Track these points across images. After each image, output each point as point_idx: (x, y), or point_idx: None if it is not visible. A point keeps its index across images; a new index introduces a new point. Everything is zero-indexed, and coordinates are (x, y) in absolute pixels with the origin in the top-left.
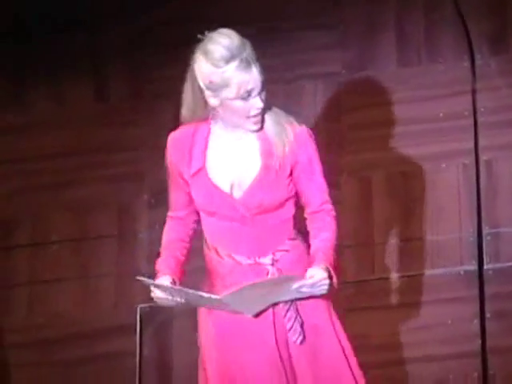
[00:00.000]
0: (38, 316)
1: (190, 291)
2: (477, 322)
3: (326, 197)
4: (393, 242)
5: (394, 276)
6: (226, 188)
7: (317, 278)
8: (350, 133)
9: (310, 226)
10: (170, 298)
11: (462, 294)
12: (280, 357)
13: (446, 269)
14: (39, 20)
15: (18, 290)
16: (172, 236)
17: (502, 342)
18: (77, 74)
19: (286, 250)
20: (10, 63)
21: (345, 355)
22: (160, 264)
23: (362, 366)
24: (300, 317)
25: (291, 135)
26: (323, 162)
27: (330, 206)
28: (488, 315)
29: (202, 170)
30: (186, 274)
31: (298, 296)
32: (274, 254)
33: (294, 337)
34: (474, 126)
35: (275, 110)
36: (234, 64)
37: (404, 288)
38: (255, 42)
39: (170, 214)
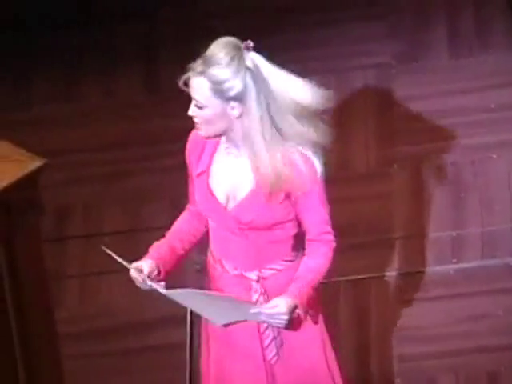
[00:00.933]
0: (89, 307)
1: (148, 283)
2: None
3: (327, 228)
4: (444, 233)
5: (445, 267)
6: (220, 197)
7: (276, 310)
8: (401, 124)
9: (306, 252)
10: (142, 281)
11: None
12: (265, 370)
13: (498, 259)
14: (95, 10)
15: (70, 281)
16: (181, 226)
17: None
18: (128, 64)
19: (278, 270)
20: (64, 54)
21: (331, 376)
22: (153, 247)
23: (414, 357)
24: (279, 336)
25: (292, 163)
26: (374, 152)
27: (329, 237)
28: None
29: (204, 173)
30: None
31: (260, 321)
32: (260, 271)
33: (269, 356)
34: None
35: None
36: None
37: (455, 279)
38: (309, 31)
39: (188, 206)
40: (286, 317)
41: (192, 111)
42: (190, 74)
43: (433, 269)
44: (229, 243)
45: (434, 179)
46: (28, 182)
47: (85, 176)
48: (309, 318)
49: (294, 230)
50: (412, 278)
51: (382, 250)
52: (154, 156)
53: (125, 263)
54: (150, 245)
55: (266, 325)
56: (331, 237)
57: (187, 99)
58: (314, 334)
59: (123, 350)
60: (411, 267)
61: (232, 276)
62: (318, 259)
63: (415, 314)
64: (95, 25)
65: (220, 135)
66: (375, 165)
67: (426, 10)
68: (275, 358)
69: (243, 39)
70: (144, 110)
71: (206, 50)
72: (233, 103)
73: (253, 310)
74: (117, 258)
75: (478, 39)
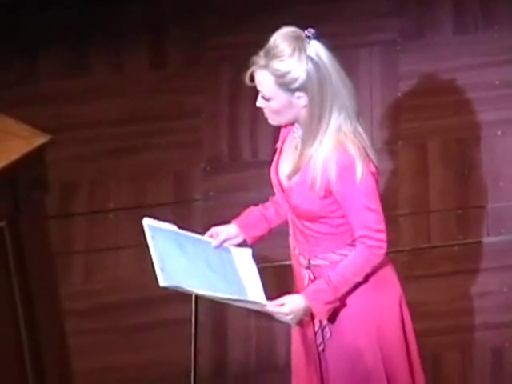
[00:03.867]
0: (95, 283)
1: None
2: None
3: (367, 232)
4: (449, 209)
5: (450, 244)
6: (282, 175)
7: (279, 309)
8: (406, 100)
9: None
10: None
11: None
12: (317, 351)
13: (503, 236)
14: None
15: (76, 258)
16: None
17: None
18: (135, 41)
19: (330, 261)
20: (71, 30)
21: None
22: (245, 212)
23: (419, 333)
24: (327, 327)
25: (332, 166)
26: (379, 129)
27: (370, 242)
28: None
29: (277, 150)
30: None
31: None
32: (311, 258)
33: (317, 343)
34: None
35: (337, 131)
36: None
37: (460, 256)
38: (317, 6)
39: None
40: (288, 317)
41: (260, 103)
42: (253, 68)
43: (438, 245)
44: (291, 223)
45: (439, 156)
46: (34, 159)
47: (90, 152)
48: (360, 310)
49: (344, 227)
50: (417, 255)
51: (387, 227)
52: (160, 132)
53: (173, 227)
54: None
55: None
56: (372, 242)
57: (193, 75)
58: (365, 324)
59: (128, 326)
60: (416, 244)
61: (296, 254)
62: (352, 260)
63: (420, 290)
64: (102, 0)
65: (290, 123)
66: (380, 142)
67: None
68: (322, 346)
69: (251, 14)
70: (150, 86)
71: (213, 27)
72: (298, 93)
73: (257, 306)
74: (164, 224)
75: (483, 16)
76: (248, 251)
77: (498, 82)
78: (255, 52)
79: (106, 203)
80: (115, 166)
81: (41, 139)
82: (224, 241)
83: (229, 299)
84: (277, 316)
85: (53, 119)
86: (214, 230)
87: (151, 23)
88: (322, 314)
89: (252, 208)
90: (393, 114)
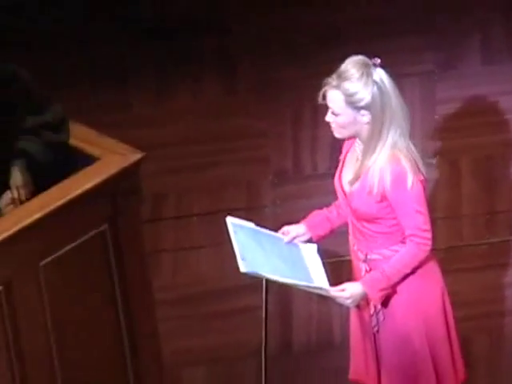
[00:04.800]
0: (180, 277)
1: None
2: None
3: (416, 232)
4: (478, 213)
5: (479, 243)
6: (344, 182)
7: (341, 294)
8: (442, 122)
9: None
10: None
11: None
12: (372, 332)
13: None
14: (180, 22)
15: (165, 256)
16: (338, 203)
17: None
18: (211, 70)
19: (384, 256)
20: (158, 63)
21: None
22: (311, 214)
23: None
24: (381, 311)
25: (388, 175)
26: (419, 146)
27: (418, 240)
28: None
29: (340, 161)
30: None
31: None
32: (367, 253)
33: (372, 324)
34: None
35: (396, 143)
36: None
37: (488, 252)
38: (366, 44)
39: None
40: (348, 301)
41: (329, 117)
42: (326, 87)
43: (469, 244)
44: (351, 224)
45: (470, 170)
46: (130, 172)
47: (176, 167)
48: (409, 297)
49: (396, 227)
50: (451, 252)
51: None
52: (233, 149)
53: (252, 225)
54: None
55: (378, 317)
56: (420, 240)
57: (261, 101)
58: (413, 309)
59: (208, 313)
60: (451, 243)
61: (355, 250)
62: (401, 254)
63: (454, 282)
64: (183, 38)
65: (352, 137)
66: (421, 157)
67: (460, 26)
68: (376, 328)
69: (310, 50)
70: (224, 109)
71: (279, 59)
72: (363, 111)
73: (322, 291)
74: (244, 221)
75: (508, 47)
76: (314, 246)
77: None
78: (313, 81)
79: (189, 209)
80: (197, 178)
81: (136, 156)
82: (294, 238)
83: (297, 285)
84: (338, 300)
85: (144, 139)
86: (285, 228)
87: (225, 55)
88: (376, 300)
89: (318, 211)
90: (431, 133)
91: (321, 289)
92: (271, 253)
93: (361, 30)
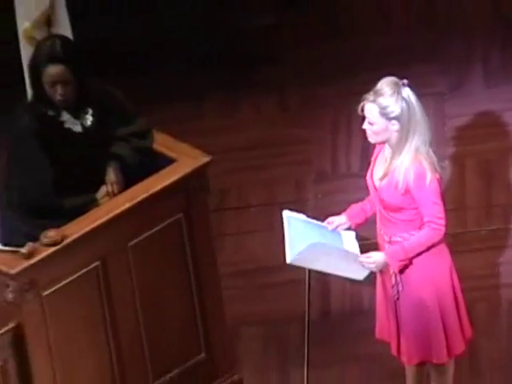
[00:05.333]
0: (240, 255)
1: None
2: None
3: (433, 219)
4: (479, 206)
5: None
6: (375, 179)
7: (368, 260)
8: (451, 133)
9: None
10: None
11: None
12: (393, 300)
13: None
14: (244, 53)
15: (228, 239)
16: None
17: None
18: (266, 91)
19: (402, 238)
20: (226, 84)
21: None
22: (350, 207)
23: (463, 291)
24: (400, 282)
25: (411, 174)
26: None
27: (433, 225)
28: None
29: (372, 162)
30: None
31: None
32: (391, 236)
33: (394, 293)
34: None
35: (418, 148)
36: None
37: (488, 237)
38: (387, 73)
39: None
40: (372, 265)
41: (365, 126)
42: (364, 102)
43: (471, 230)
44: (379, 213)
45: (474, 171)
46: (200, 172)
47: (237, 167)
48: (426, 273)
49: (415, 216)
50: (457, 237)
51: None
52: (282, 154)
53: (304, 216)
54: (281, 215)
55: (392, 272)
56: (436, 226)
57: (306, 114)
58: (427, 281)
59: (261, 284)
60: (457, 229)
61: (381, 234)
62: (419, 235)
63: (459, 260)
64: (249, 65)
65: (382, 142)
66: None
67: (466, 54)
68: (396, 296)
69: (343, 74)
70: (276, 121)
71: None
72: (393, 121)
73: (353, 256)
74: (297, 214)
75: (505, 72)
76: (352, 233)
77: None
78: (346, 99)
79: (248, 201)
80: (254, 176)
81: (205, 159)
82: (337, 226)
83: (336, 260)
84: (365, 264)
85: (212, 145)
86: (330, 219)
87: (279, 78)
88: (395, 267)
89: (355, 204)
90: (442, 142)
91: (353, 254)
92: (318, 237)
93: (382, 58)
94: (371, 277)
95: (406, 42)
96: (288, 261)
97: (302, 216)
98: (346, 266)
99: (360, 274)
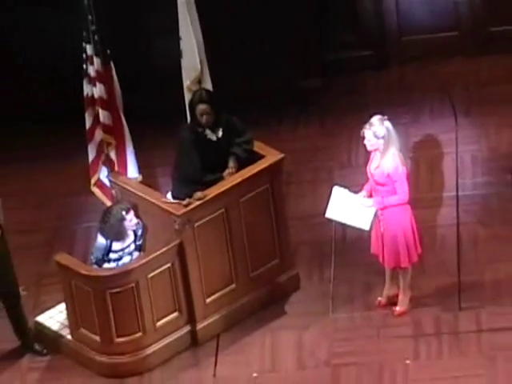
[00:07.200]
0: (298, 207)
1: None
2: None
3: (401, 190)
4: (426, 184)
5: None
6: (370, 169)
7: (362, 201)
8: (411, 144)
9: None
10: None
11: None
12: (381, 232)
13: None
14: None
15: (291, 198)
16: None
17: None
18: (307, 121)
19: (383, 199)
20: (292, 116)
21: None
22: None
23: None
24: (384, 219)
25: (391, 166)
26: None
27: (401, 195)
28: None
29: (370, 159)
30: None
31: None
32: (382, 197)
33: (381, 227)
34: None
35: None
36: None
37: (430, 200)
38: (381, 109)
39: None
40: (366, 205)
41: (366, 141)
42: (364, 129)
43: (421, 196)
44: (373, 189)
45: (429, 164)
46: (278, 162)
47: (297, 160)
48: (396, 216)
49: (393, 188)
50: (413, 200)
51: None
52: (321, 154)
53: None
54: (321, 187)
55: (379, 214)
56: (403, 195)
57: (344, 138)
58: (399, 221)
59: (310, 223)
60: (413, 195)
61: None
62: (394, 197)
63: (417, 212)
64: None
65: (375, 149)
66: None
67: (416, 100)
68: (382, 229)
69: (353, 113)
70: (317, 140)
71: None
72: (380, 140)
73: (356, 199)
74: (341, 188)
75: (442, 113)
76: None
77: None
78: (358, 127)
79: (301, 179)
80: (305, 165)
81: (280, 155)
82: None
83: (351, 211)
84: (361, 203)
85: (285, 149)
86: (361, 193)
87: (320, 106)
88: (376, 206)
89: (366, 185)
90: (406, 148)
91: (358, 198)
92: (346, 203)
93: (379, 105)
94: (371, 226)
95: (383, 97)
96: (326, 215)
97: (344, 189)
98: (357, 217)
99: (366, 224)
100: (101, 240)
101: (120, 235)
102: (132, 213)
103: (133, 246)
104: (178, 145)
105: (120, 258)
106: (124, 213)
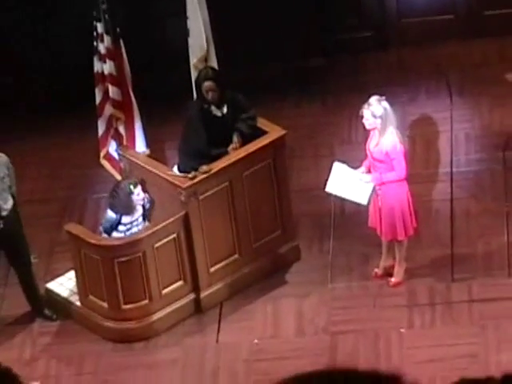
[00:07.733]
0: (299, 181)
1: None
2: None
3: (398, 167)
4: (422, 160)
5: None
6: (369, 148)
7: (361, 177)
8: (409, 122)
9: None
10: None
11: None
12: (378, 209)
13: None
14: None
15: (294, 172)
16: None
17: None
18: (314, 98)
19: (389, 181)
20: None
21: (410, 213)
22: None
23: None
24: (381, 194)
25: (389, 144)
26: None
27: (398, 172)
28: None
29: (368, 137)
30: None
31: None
32: (380, 174)
33: (379, 203)
34: None
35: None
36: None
37: (426, 176)
38: (378, 90)
39: None
40: (365, 180)
41: (364, 120)
42: (363, 109)
43: (418, 172)
44: (372, 165)
45: (421, 142)
46: (280, 138)
47: (299, 136)
48: (394, 191)
49: (391, 165)
50: (410, 176)
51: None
52: (322, 129)
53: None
54: (321, 161)
55: (377, 190)
56: (401, 172)
57: (345, 116)
58: (396, 196)
59: (310, 195)
60: (410, 171)
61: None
62: (393, 174)
63: (412, 187)
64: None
65: (373, 128)
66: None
67: (413, 82)
68: (380, 203)
69: (353, 94)
70: (319, 117)
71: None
72: (378, 118)
73: (357, 175)
74: (342, 164)
75: (437, 94)
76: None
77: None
78: (358, 106)
79: (304, 154)
80: (307, 141)
81: (283, 131)
82: (364, 171)
83: (350, 186)
84: (360, 178)
85: (288, 125)
86: (360, 169)
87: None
88: (373, 181)
89: (365, 161)
90: (404, 126)
91: (359, 174)
92: (347, 179)
93: (378, 84)
94: (369, 201)
95: (385, 77)
96: (326, 189)
97: (343, 165)
98: (356, 192)
99: (364, 199)
100: (110, 214)
101: (129, 209)
102: (140, 187)
103: (141, 219)
104: (185, 121)
105: (128, 230)
106: (132, 187)
